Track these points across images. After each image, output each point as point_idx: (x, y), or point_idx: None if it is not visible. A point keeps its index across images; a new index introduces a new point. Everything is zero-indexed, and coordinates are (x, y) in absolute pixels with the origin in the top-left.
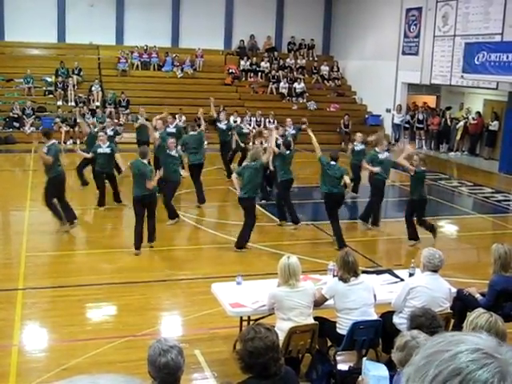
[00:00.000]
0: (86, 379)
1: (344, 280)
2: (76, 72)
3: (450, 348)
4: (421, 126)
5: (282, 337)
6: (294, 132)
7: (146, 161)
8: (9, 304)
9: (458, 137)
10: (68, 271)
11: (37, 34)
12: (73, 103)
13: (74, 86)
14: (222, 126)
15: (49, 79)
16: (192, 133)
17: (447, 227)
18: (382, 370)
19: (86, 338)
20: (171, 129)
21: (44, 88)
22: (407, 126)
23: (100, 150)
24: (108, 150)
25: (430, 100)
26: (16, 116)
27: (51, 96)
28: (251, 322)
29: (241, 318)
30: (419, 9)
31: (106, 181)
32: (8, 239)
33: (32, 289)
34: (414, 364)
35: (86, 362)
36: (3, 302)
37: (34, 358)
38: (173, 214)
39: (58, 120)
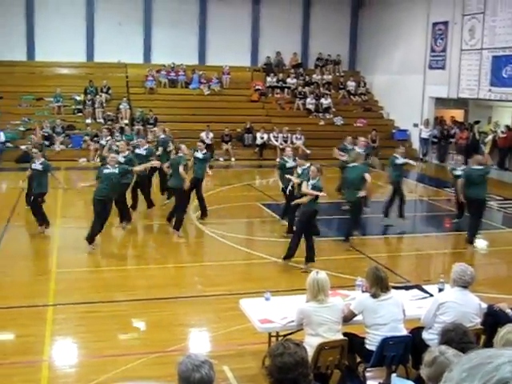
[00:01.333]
0: None
1: (372, 295)
2: (104, 90)
3: (491, 360)
4: (449, 140)
5: (310, 352)
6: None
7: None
8: (39, 320)
9: (487, 151)
10: (98, 287)
11: (66, 53)
12: (101, 121)
13: (102, 104)
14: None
15: (78, 98)
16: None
17: (477, 242)
18: None
19: (115, 353)
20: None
21: (73, 106)
22: (435, 140)
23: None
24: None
25: (458, 114)
26: (46, 134)
27: (80, 114)
28: (280, 338)
29: (269, 333)
30: (445, 23)
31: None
32: (39, 256)
33: (62, 305)
34: (454, 379)
35: (116, 377)
36: (34, 317)
37: (64, 374)
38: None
39: (86, 138)
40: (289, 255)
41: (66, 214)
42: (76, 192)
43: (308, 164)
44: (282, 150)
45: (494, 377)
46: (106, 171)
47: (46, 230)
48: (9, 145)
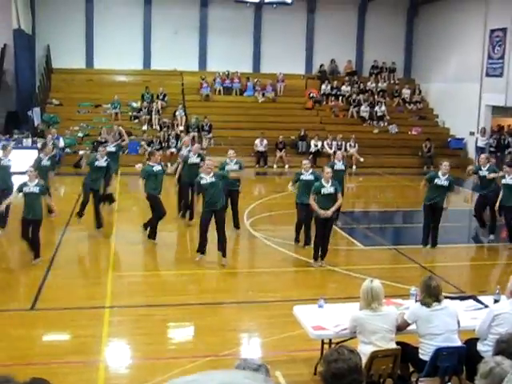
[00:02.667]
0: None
1: (425, 304)
2: (160, 97)
3: None
4: (505, 150)
5: (364, 360)
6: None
7: None
8: (97, 321)
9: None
10: (153, 291)
11: (123, 61)
12: (157, 127)
13: (158, 111)
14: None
15: (135, 104)
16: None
17: None
18: None
19: (169, 356)
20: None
21: (130, 113)
22: (492, 149)
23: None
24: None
25: None
26: (103, 140)
27: (137, 121)
28: (333, 346)
29: (322, 340)
30: (504, 29)
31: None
32: (96, 259)
33: (118, 307)
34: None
35: (169, 379)
36: (92, 318)
37: (119, 375)
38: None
39: (143, 143)
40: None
41: (123, 218)
42: (132, 196)
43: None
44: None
45: None
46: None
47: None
48: (67, 150)
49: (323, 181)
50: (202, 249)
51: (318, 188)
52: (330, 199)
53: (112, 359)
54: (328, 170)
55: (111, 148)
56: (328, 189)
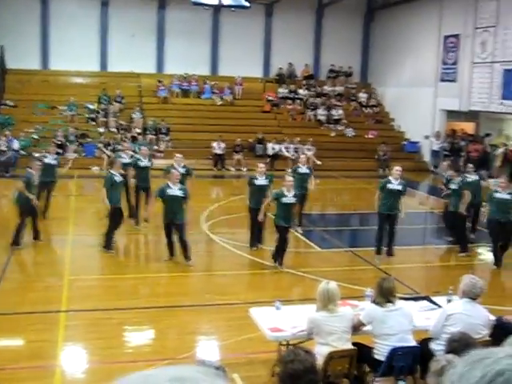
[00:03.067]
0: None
1: (378, 304)
2: (118, 99)
3: (491, 355)
4: (459, 153)
5: (320, 361)
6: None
7: None
8: (52, 325)
9: (498, 163)
10: (110, 294)
11: (80, 62)
12: (114, 130)
13: (115, 113)
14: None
15: (91, 106)
16: None
17: (487, 254)
18: None
19: (126, 360)
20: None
21: (86, 115)
22: (446, 153)
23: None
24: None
25: (469, 127)
26: (59, 142)
27: (93, 123)
28: (290, 347)
29: (279, 342)
30: (457, 36)
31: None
32: (52, 263)
33: (75, 311)
34: (457, 372)
35: None
36: (47, 323)
37: (75, 379)
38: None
39: (100, 145)
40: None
41: (80, 221)
42: (88, 199)
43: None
44: (293, 160)
45: (493, 369)
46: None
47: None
48: (22, 152)
49: (284, 189)
50: (170, 251)
51: (279, 196)
52: (290, 208)
53: (68, 363)
54: (289, 178)
55: (51, 160)
56: (289, 198)
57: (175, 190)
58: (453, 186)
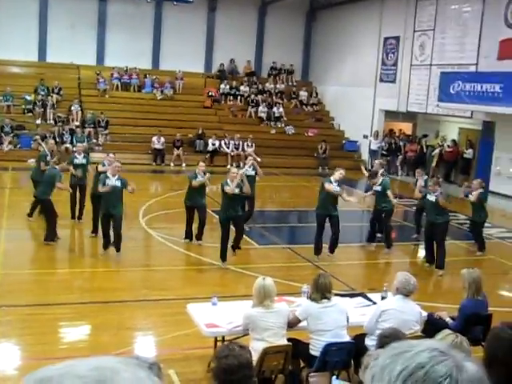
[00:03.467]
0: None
1: (313, 300)
2: (56, 91)
3: (411, 349)
4: (397, 153)
5: (255, 357)
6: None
7: None
8: None
9: (434, 164)
10: (43, 289)
11: (18, 52)
12: (52, 122)
13: (53, 105)
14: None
15: (28, 97)
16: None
17: (419, 252)
18: None
19: (60, 356)
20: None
21: (23, 106)
22: (384, 152)
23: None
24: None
25: (407, 127)
26: None
27: (30, 114)
28: (225, 343)
29: (216, 338)
30: (397, 38)
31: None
32: None
33: (6, 306)
34: (379, 365)
35: None
36: None
37: (7, 376)
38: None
39: (37, 137)
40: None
41: (13, 215)
42: (23, 192)
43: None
44: (233, 156)
45: (414, 362)
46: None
47: None
48: None
49: (228, 180)
50: (105, 246)
51: (223, 185)
52: (237, 200)
53: None
54: (234, 170)
55: None
56: (233, 189)
57: (114, 181)
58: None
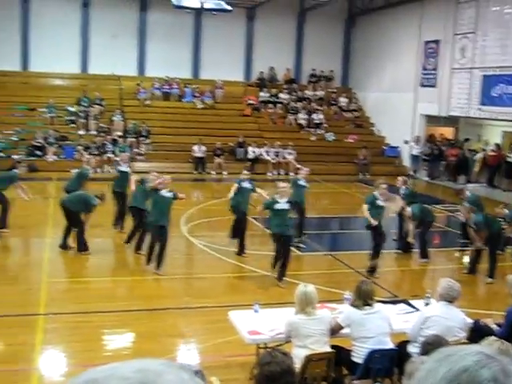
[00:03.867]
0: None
1: (356, 306)
2: (98, 102)
3: (457, 352)
4: (439, 157)
5: (298, 364)
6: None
7: None
8: (30, 328)
9: (477, 168)
10: (88, 297)
11: (60, 64)
12: (94, 132)
13: (95, 116)
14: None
15: (71, 109)
16: None
17: (465, 259)
18: None
19: (104, 363)
20: None
21: (66, 117)
22: (426, 157)
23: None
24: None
25: (449, 132)
26: (39, 144)
27: (73, 125)
28: (267, 349)
29: (258, 345)
30: (437, 41)
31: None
32: (29, 266)
33: (53, 314)
34: (426, 368)
35: None
36: (24, 326)
37: (53, 382)
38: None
39: (79, 148)
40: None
41: (57, 224)
42: None
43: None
44: (274, 164)
45: (458, 365)
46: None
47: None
48: (1, 154)
49: (277, 196)
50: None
51: (271, 204)
52: (285, 215)
53: (46, 367)
54: (283, 185)
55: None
56: (283, 205)
57: (165, 193)
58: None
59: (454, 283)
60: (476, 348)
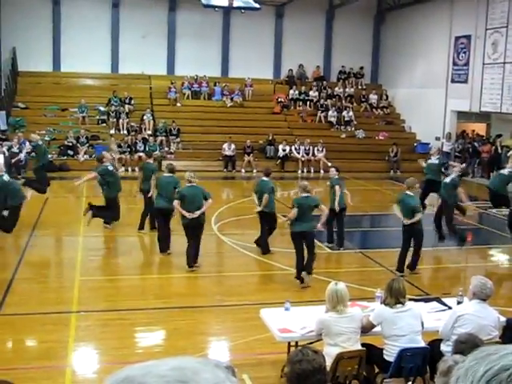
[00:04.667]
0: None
1: (387, 305)
2: (127, 101)
3: (498, 352)
4: (470, 154)
5: (329, 362)
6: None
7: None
8: (63, 326)
9: (510, 164)
10: (120, 295)
11: (91, 64)
12: (125, 132)
13: (126, 115)
14: None
15: (102, 108)
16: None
17: (498, 256)
18: None
19: (137, 360)
20: None
21: (97, 117)
22: (457, 154)
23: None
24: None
25: (481, 128)
26: (70, 144)
27: (104, 125)
28: (298, 347)
29: (289, 343)
30: (468, 36)
31: None
32: (62, 264)
33: (85, 312)
34: (465, 366)
35: None
36: (57, 323)
37: (86, 379)
38: None
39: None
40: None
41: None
42: (99, 200)
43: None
44: (303, 162)
45: (499, 364)
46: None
47: None
48: (33, 155)
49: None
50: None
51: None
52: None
53: (79, 364)
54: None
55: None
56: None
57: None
58: None
59: (487, 281)
60: None
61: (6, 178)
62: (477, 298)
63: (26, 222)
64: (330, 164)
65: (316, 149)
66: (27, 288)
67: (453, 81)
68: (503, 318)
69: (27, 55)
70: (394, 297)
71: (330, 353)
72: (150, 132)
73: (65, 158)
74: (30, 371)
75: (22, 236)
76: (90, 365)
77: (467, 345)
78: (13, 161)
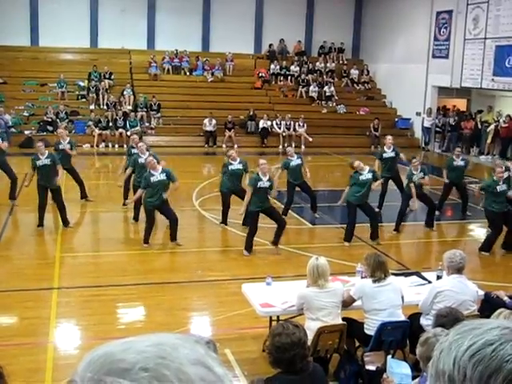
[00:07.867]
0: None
1: (378, 279)
2: (107, 76)
3: (482, 326)
4: (451, 129)
5: (310, 336)
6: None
7: None
8: (44, 302)
9: (489, 140)
10: (101, 271)
11: (70, 39)
12: (105, 107)
13: (106, 90)
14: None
15: (81, 83)
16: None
17: (477, 231)
18: (405, 368)
19: (118, 336)
20: None
21: (77, 92)
22: (438, 129)
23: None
24: None
25: (461, 103)
26: (50, 120)
27: (84, 100)
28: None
29: (270, 318)
30: (449, 12)
31: None
32: (42, 240)
33: (66, 288)
34: (448, 340)
35: None
36: (38, 300)
37: (68, 355)
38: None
39: (90, 123)
40: None
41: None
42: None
43: None
44: (284, 137)
45: (483, 338)
46: None
47: None
48: (13, 130)
49: (260, 173)
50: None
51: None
52: (264, 193)
53: (61, 340)
54: (262, 161)
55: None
56: (264, 183)
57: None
58: None
59: (456, 251)
60: (502, 322)
61: None
62: (452, 270)
63: (5, 199)
64: (311, 139)
65: (297, 124)
66: (7, 265)
67: (434, 56)
68: (481, 292)
69: (4, 29)
70: (383, 271)
71: (311, 327)
72: (130, 107)
73: (44, 133)
74: (11, 348)
75: (1, 213)
76: (71, 341)
77: (448, 318)
78: None
